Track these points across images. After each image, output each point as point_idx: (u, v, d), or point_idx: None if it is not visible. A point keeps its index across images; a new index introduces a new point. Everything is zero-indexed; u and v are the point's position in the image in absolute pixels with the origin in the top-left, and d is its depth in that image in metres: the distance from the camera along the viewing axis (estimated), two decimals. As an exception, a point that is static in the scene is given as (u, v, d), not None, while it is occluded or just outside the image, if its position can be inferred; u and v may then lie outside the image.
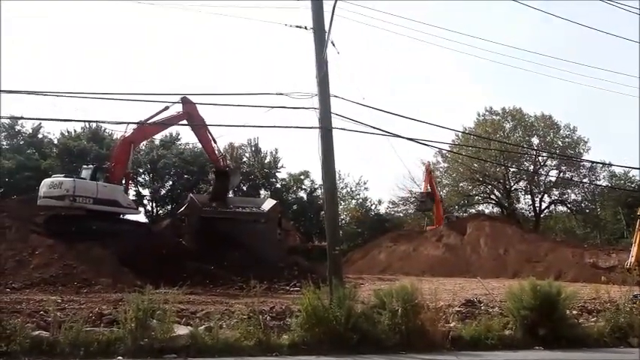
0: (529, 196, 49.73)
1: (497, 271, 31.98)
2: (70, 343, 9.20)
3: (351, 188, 53.35)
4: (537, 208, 49.53)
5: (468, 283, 23.78)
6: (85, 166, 25.32)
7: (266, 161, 49.83)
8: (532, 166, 47.48)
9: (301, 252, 32.19)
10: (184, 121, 24.55)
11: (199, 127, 24.29)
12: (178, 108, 23.11)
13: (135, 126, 22.59)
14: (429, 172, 44.66)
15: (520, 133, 48.09)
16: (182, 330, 10.15)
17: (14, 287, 16.05)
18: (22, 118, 42.72)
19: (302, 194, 51.09)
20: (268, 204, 27.99)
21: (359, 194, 53.68)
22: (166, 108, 21.59)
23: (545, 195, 49.29)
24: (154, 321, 9.84)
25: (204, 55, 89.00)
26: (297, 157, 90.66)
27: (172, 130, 47.32)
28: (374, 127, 13.41)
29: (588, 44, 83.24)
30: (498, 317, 12.07)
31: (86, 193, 22.04)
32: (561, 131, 47.71)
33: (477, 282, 20.63)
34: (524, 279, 14.18)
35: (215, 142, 26.50)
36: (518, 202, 50.76)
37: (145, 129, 24.13)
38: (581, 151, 47.19)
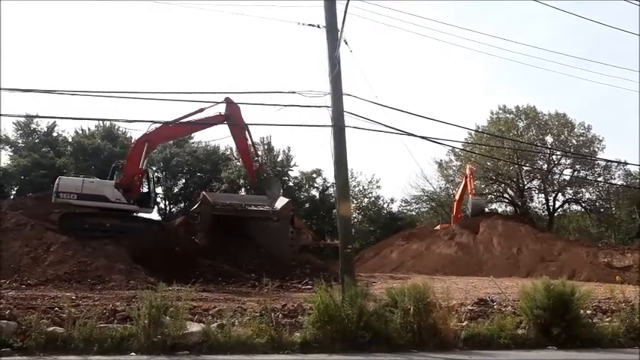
0: (542, 195, 49.37)
1: (510, 270, 31.74)
2: (84, 339, 9.29)
3: (363, 187, 53.34)
4: (551, 207, 49.16)
5: (481, 282, 23.64)
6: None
7: (278, 159, 49.93)
8: (546, 165, 47.10)
9: (313, 250, 32.22)
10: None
11: (239, 130, 23.29)
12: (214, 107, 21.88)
13: (155, 125, 22.31)
14: (472, 175, 43.55)
15: (534, 131, 47.73)
16: (195, 327, 10.20)
17: (29, 284, 16.19)
18: (37, 116, 43.22)
19: (314, 192, 51.23)
20: (281, 202, 28.01)
21: (371, 193, 53.65)
22: (201, 110, 21.34)
23: (559, 194, 48.91)
24: (167, 318, 9.90)
25: (217, 54, 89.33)
26: (309, 155, 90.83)
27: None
28: (387, 126, 13.41)
29: (602, 42, 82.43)
30: (511, 316, 11.99)
31: (69, 189, 22.46)
32: (575, 129, 47.32)
33: (490, 281, 20.49)
34: (538, 278, 14.09)
35: (255, 149, 25.05)
36: (532, 201, 50.43)
37: (165, 129, 24.19)
38: (596, 149, 46.76)
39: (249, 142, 24.35)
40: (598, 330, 11.70)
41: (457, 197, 43.98)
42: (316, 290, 10.89)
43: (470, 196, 42.50)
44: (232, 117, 22.57)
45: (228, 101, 21.99)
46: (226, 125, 23.19)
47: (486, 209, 44.03)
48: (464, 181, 43.25)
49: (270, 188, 23.55)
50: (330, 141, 12.99)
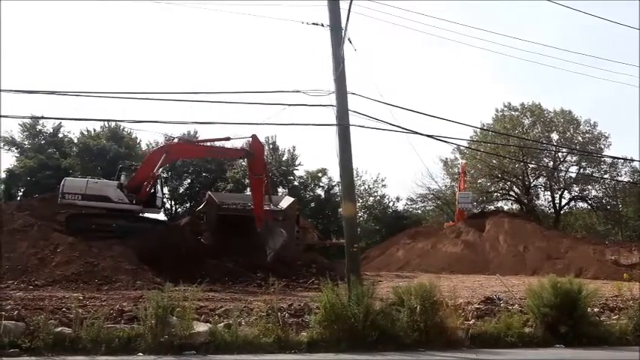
0: (549, 193, 49.22)
1: (517, 268, 31.65)
2: (91, 339, 9.35)
3: (368, 185, 53.22)
4: (557, 205, 48.99)
5: (487, 280, 23.60)
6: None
7: (283, 159, 49.91)
8: (551, 162, 46.95)
9: (319, 249, 32.20)
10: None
11: (257, 169, 22.32)
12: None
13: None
14: (464, 172, 44.66)
15: (539, 128, 47.56)
16: (201, 327, 10.23)
17: (37, 284, 16.24)
18: (42, 117, 43.38)
19: (319, 192, 51.10)
20: (286, 202, 28.00)
21: (377, 191, 53.55)
22: (228, 138, 21.41)
23: (565, 191, 48.73)
24: (174, 318, 9.94)
25: (220, 53, 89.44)
26: (314, 154, 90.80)
27: (190, 128, 47.63)
28: (392, 124, 13.41)
29: (608, 39, 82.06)
30: (518, 315, 11.99)
31: (74, 190, 22.59)
32: (581, 127, 47.13)
33: (497, 279, 20.43)
34: (544, 276, 14.07)
35: (269, 193, 23.37)
36: (538, 198, 50.24)
37: (186, 147, 24.30)
38: (602, 146, 46.54)
39: (265, 184, 22.86)
40: (606, 328, 11.68)
41: (462, 190, 44.18)
42: (322, 289, 10.91)
43: (458, 190, 43.73)
44: (254, 155, 22.40)
45: (253, 138, 22.12)
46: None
47: (472, 204, 44.37)
48: (460, 179, 43.82)
49: (272, 238, 21.79)
50: (335, 140, 13.01)
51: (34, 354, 9.04)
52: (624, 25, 35.87)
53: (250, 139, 22.38)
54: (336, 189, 48.18)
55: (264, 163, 22.73)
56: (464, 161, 47.21)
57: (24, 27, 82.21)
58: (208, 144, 24.09)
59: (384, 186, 53.51)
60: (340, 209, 36.78)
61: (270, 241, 21.65)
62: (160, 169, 23.69)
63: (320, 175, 50.72)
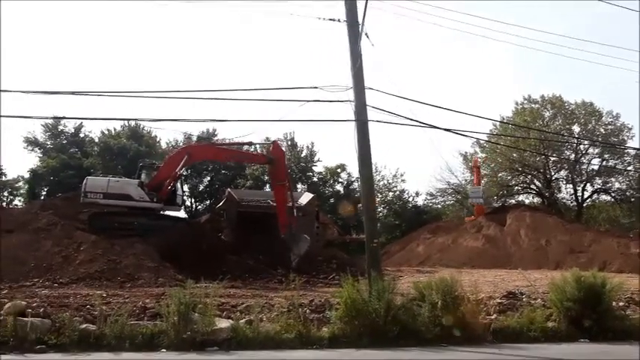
0: (571, 186, 48.52)
1: (539, 262, 31.35)
2: (115, 335, 9.47)
3: (388, 180, 53.00)
4: (579, 198, 48.29)
5: (509, 274, 23.41)
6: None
7: (302, 155, 49.99)
8: (573, 155, 46.29)
9: (339, 245, 32.24)
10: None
11: (279, 176, 22.34)
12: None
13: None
14: (478, 167, 44.19)
15: (560, 121, 46.88)
16: (223, 323, 10.31)
17: (61, 282, 16.50)
18: (64, 117, 44.07)
19: (339, 187, 51.12)
20: (305, 198, 28.08)
21: (396, 186, 53.35)
22: (250, 143, 21.44)
23: (588, 184, 48.01)
24: (196, 314, 10.03)
25: (236, 49, 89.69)
26: (333, 149, 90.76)
27: (209, 125, 47.96)
28: (410, 119, 13.37)
29: (633, 27, 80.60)
30: (541, 309, 11.87)
31: (96, 189, 22.91)
32: (603, 118, 46.35)
33: (519, 273, 20.30)
34: (567, 270, 13.91)
35: (292, 200, 22.93)
36: (560, 191, 49.52)
37: (209, 149, 24.49)
38: (625, 138, 45.77)
39: (288, 190, 22.79)
40: (631, 322, 11.50)
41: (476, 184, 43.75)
42: (343, 285, 10.92)
43: (475, 186, 43.20)
44: (275, 161, 22.45)
45: (274, 145, 22.19)
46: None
47: (483, 199, 43.94)
48: (474, 173, 43.38)
49: (297, 244, 21.83)
50: (354, 135, 13.00)
51: (60, 350, 9.19)
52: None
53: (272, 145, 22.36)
54: (356, 184, 48.16)
55: (286, 170, 22.74)
56: (477, 156, 46.71)
57: (41, 29, 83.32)
58: (231, 147, 24.05)
59: (403, 181, 53.30)
60: (360, 205, 36.79)
61: (294, 248, 21.75)
62: (182, 170, 23.89)
63: (339, 170, 50.74)
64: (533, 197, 50.80)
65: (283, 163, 22.83)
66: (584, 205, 48.79)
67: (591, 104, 46.39)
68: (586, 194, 48.41)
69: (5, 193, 48.30)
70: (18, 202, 47.05)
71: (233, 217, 26.22)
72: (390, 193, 53.31)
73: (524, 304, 12.50)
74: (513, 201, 49.05)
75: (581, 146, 45.87)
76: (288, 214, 21.94)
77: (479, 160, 45.84)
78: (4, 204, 44.57)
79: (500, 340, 10.63)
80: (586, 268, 15.29)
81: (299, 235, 22.01)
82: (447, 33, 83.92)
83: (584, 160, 46.12)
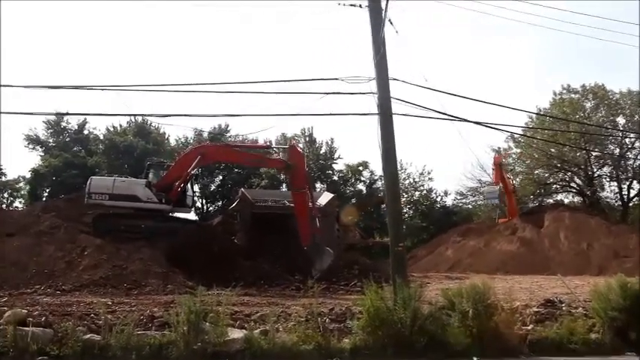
0: (615, 183, 47.89)
1: (580, 267, 30.98)
2: (121, 346, 9.55)
3: (414, 179, 52.71)
4: (625, 197, 47.68)
5: (547, 281, 23.17)
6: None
7: (321, 152, 49.95)
8: (618, 149, 45.69)
9: (361, 249, 32.12)
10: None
11: (299, 182, 21.94)
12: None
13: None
14: (499, 165, 43.40)
15: (603, 112, 46.26)
16: (236, 333, 10.34)
17: (64, 289, 16.65)
18: (67, 114, 44.55)
19: (361, 186, 50.99)
20: (325, 198, 28.01)
21: (423, 185, 53.06)
22: (269, 146, 21.43)
23: (634, 181, 47.38)
24: (207, 324, 10.07)
25: (254, 41, 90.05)
26: (354, 146, 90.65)
27: (221, 121, 48.06)
28: (438, 112, 13.29)
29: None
30: (583, 319, 11.75)
31: (101, 190, 23.11)
32: (652, 108, 45.68)
33: (557, 280, 20.06)
34: (612, 276, 13.72)
35: (314, 208, 22.35)
36: (603, 190, 48.89)
37: (223, 150, 24.71)
38: (677, 129, 45.04)
39: (309, 197, 22.21)
40: (683, 334, 11.31)
41: (504, 189, 43.14)
42: (366, 292, 10.90)
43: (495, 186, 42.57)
44: (294, 166, 22.05)
45: (293, 149, 22.16)
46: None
47: (498, 200, 43.38)
48: (501, 172, 42.74)
49: (320, 258, 21.37)
50: (377, 130, 12.94)
51: (63, 362, 9.31)
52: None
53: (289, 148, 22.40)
54: (379, 183, 47.99)
55: (306, 175, 22.45)
56: (500, 152, 46.09)
57: (44, 25, 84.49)
58: (245, 149, 24.10)
59: (430, 179, 52.94)
60: (384, 205, 36.62)
61: (317, 262, 21.35)
62: (194, 170, 24.00)
63: (361, 168, 50.56)
64: (573, 196, 50.24)
65: (303, 168, 22.38)
66: (630, 204, 48.10)
67: (638, 93, 45.72)
68: (632, 193, 47.74)
69: (5, 195, 49.09)
70: (19, 203, 47.81)
71: (247, 219, 26.23)
72: (417, 193, 53.04)
73: (563, 314, 12.38)
74: (551, 200, 48.56)
75: (627, 140, 45.27)
76: (310, 223, 21.55)
77: (501, 156, 45.11)
78: (4, 206, 45.32)
79: (537, 353, 10.56)
80: (632, 274, 15.07)
81: (323, 248, 21.58)
82: (479, 27, 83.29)
83: (630, 155, 45.50)
